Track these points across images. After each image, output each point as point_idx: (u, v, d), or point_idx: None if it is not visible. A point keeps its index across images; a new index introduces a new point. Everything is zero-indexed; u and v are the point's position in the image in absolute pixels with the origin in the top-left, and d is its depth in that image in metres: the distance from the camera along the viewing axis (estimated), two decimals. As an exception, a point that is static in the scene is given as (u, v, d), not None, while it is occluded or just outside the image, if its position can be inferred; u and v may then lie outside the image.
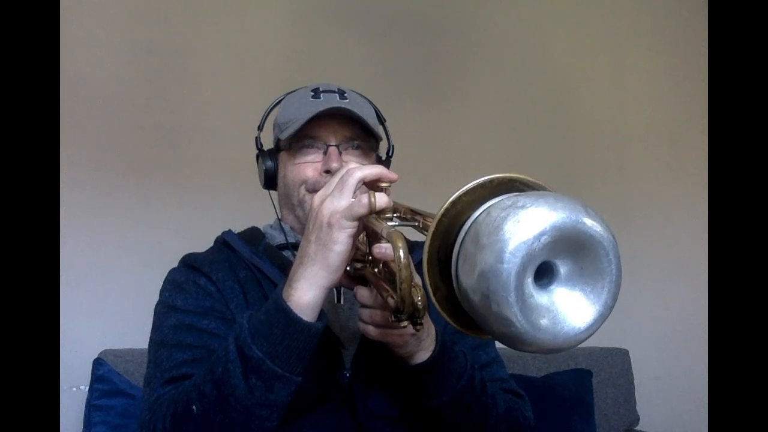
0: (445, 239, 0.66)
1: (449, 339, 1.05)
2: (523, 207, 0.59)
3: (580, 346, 2.34)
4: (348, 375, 1.04)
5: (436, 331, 0.98)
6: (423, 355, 0.96)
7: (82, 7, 2.09)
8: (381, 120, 1.22)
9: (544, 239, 0.59)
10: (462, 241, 0.64)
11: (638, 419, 2.20)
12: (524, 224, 0.58)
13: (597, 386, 2.09)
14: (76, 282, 1.96)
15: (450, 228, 0.66)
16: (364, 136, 1.13)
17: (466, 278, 0.62)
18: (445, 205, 0.66)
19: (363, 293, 0.92)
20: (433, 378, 0.97)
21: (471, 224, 0.64)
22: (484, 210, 0.64)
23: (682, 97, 2.61)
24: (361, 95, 1.20)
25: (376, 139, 1.16)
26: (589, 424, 2.00)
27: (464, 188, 0.66)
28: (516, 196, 0.62)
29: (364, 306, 0.93)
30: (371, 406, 1.03)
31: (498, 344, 1.18)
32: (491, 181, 0.67)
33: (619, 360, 2.21)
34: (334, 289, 1.09)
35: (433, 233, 0.66)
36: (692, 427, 2.23)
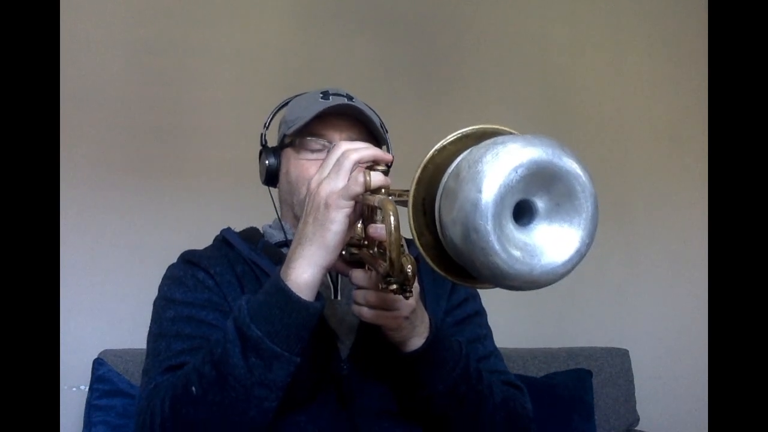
0: (430, 188, 0.69)
1: (446, 330, 1.06)
2: (502, 143, 0.63)
3: (580, 346, 2.34)
4: (345, 367, 1.05)
5: (430, 319, 0.99)
6: (417, 341, 0.97)
7: (82, 7, 2.09)
8: (384, 130, 1.23)
9: (521, 171, 0.61)
10: (446, 181, 0.66)
11: (638, 419, 2.21)
12: (502, 157, 0.61)
13: (597, 386, 2.10)
14: (76, 282, 1.97)
15: (434, 176, 0.69)
16: (369, 138, 1.14)
17: (447, 213, 0.64)
18: (431, 153, 0.69)
19: (358, 274, 0.93)
20: (427, 366, 0.98)
21: (454, 165, 0.67)
22: (467, 151, 0.66)
23: (682, 96, 2.61)
24: (367, 105, 1.21)
25: (380, 141, 1.17)
26: (589, 424, 2.00)
27: (449, 137, 0.70)
28: (497, 137, 0.65)
29: (359, 288, 0.94)
30: (368, 398, 1.04)
31: (497, 344, 1.19)
32: (475, 131, 0.70)
33: (619, 360, 2.21)
34: (332, 285, 1.10)
35: (418, 179, 0.69)
36: (692, 427, 2.23)
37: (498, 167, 0.61)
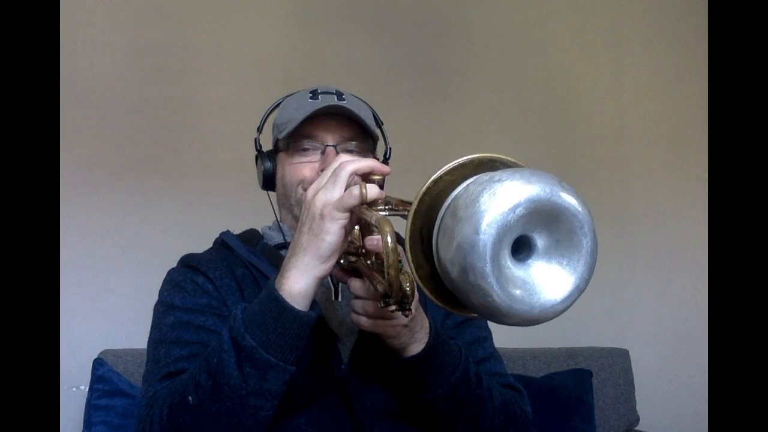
0: (427, 218, 0.68)
1: (446, 334, 1.06)
2: (499, 181, 0.61)
3: (580, 346, 2.32)
4: (345, 369, 1.05)
5: (430, 324, 0.99)
6: (416, 347, 0.97)
7: (82, 7, 2.09)
8: (378, 123, 1.22)
9: (519, 211, 0.60)
10: (442, 216, 0.65)
11: (638, 419, 2.20)
12: (500, 197, 0.60)
13: (597, 386, 2.09)
14: (76, 282, 1.96)
15: (432, 207, 0.68)
16: (361, 136, 1.14)
17: (445, 251, 0.63)
18: (427, 184, 0.68)
19: (356, 284, 0.93)
20: (426, 370, 0.98)
21: (451, 200, 0.66)
22: (463, 186, 0.65)
23: (682, 97, 2.61)
24: (359, 98, 1.20)
25: (374, 139, 1.17)
26: (589, 424, 2.00)
27: (445, 167, 0.68)
28: (494, 172, 0.64)
29: (357, 297, 0.94)
30: (368, 400, 1.04)
31: (496, 344, 1.19)
32: (472, 161, 0.69)
33: (619, 360, 2.20)
34: (332, 286, 1.10)
35: (415, 211, 0.68)
36: (692, 427, 2.23)
37: (496, 207, 0.60)
